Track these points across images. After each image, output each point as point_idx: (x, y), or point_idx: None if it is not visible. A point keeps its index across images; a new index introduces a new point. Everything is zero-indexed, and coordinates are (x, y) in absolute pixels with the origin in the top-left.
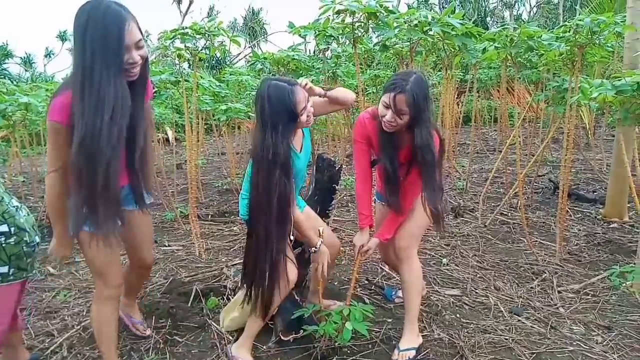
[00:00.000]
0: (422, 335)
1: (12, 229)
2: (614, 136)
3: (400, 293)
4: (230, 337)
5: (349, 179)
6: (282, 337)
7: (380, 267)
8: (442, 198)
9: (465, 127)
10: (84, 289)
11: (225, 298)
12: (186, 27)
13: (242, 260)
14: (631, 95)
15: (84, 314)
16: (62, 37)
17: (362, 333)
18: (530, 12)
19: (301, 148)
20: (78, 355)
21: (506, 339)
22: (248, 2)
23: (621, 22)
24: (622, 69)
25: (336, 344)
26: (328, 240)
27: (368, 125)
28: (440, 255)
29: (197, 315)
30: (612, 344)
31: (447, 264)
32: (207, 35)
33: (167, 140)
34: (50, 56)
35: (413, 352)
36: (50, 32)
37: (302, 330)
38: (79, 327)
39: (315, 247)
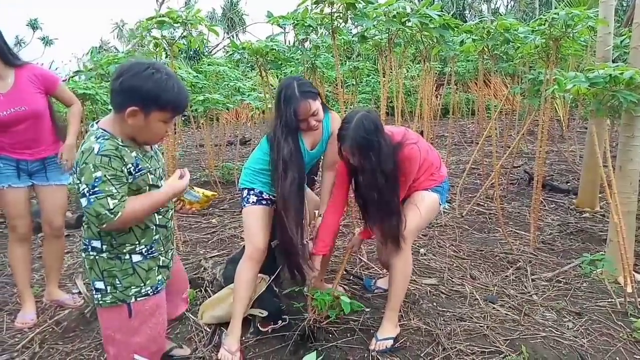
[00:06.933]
0: (400, 325)
1: None
2: (586, 129)
3: (379, 283)
4: (208, 329)
5: None
6: (260, 328)
7: (359, 258)
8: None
9: (443, 119)
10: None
11: (203, 290)
12: (164, 15)
13: (219, 253)
14: (604, 87)
15: (56, 307)
16: (33, 25)
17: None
18: (507, 5)
19: (314, 146)
20: (50, 349)
21: (481, 326)
22: None
23: (593, 16)
24: (595, 63)
25: (322, 323)
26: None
27: None
28: (418, 245)
29: None
30: (582, 330)
31: (425, 254)
32: (184, 23)
33: None
34: (21, 45)
35: (391, 342)
36: (20, 21)
37: (280, 321)
38: (51, 321)
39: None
